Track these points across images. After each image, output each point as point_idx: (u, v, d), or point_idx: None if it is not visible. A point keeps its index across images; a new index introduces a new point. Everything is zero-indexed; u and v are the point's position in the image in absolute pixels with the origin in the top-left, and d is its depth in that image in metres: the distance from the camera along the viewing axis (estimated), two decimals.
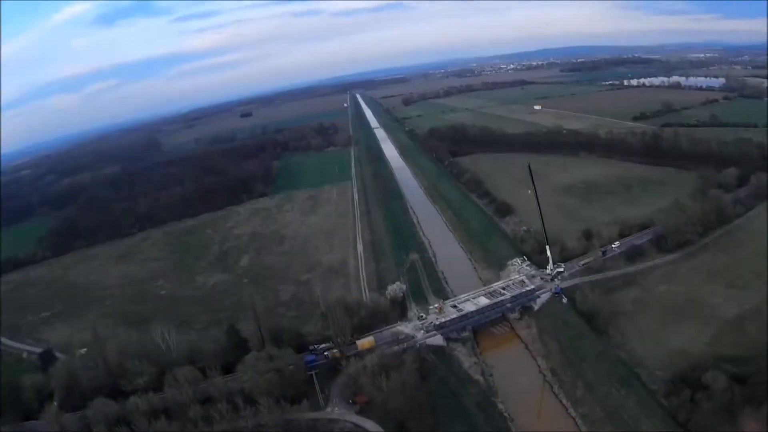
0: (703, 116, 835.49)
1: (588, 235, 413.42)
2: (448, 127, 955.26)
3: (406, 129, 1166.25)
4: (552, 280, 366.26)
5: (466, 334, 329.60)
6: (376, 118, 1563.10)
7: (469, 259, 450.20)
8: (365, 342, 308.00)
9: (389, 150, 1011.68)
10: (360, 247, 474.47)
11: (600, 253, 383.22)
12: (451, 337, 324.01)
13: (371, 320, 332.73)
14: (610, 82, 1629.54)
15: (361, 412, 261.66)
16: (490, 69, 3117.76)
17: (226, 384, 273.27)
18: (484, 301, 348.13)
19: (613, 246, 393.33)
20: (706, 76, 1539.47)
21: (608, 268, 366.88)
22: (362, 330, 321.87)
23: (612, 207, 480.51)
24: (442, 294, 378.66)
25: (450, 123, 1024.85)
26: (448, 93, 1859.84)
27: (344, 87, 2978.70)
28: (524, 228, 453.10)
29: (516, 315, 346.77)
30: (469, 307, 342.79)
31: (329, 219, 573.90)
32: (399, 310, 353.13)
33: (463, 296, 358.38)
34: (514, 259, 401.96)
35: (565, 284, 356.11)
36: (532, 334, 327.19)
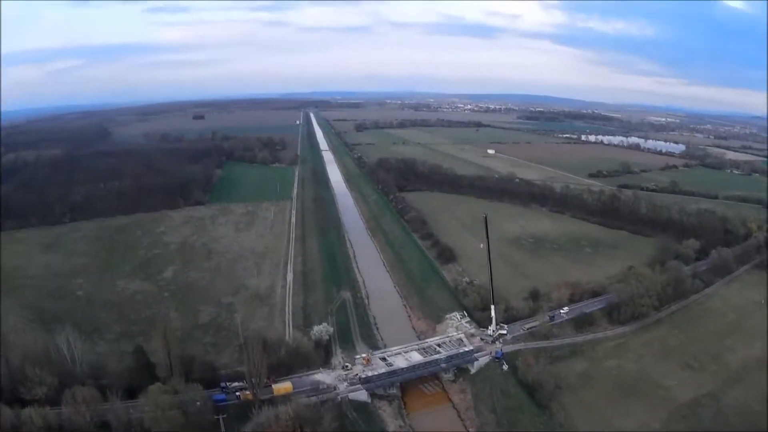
0: (662, 181, 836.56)
1: (535, 295, 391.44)
2: (398, 160, 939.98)
3: (355, 156, 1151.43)
4: (493, 342, 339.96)
5: (393, 391, 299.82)
6: (326, 139, 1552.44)
7: (405, 305, 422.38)
8: (282, 387, 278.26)
9: (335, 175, 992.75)
10: (290, 276, 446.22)
11: (547, 318, 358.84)
12: (377, 393, 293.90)
13: (292, 362, 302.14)
14: (567, 135, 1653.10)
15: None
16: (448, 106, 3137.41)
17: (127, 411, 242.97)
18: (416, 357, 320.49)
19: (561, 311, 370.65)
20: (666, 141, 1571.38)
21: (555, 336, 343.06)
22: (280, 372, 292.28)
23: (561, 266, 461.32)
24: (372, 342, 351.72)
25: (400, 156, 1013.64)
26: (402, 125, 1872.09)
27: (299, 104, 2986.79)
28: (466, 279, 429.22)
29: (450, 376, 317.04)
30: (399, 361, 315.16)
31: (263, 239, 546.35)
32: (323, 354, 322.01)
33: (394, 349, 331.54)
34: (453, 313, 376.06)
35: (507, 348, 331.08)
36: (466, 401, 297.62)
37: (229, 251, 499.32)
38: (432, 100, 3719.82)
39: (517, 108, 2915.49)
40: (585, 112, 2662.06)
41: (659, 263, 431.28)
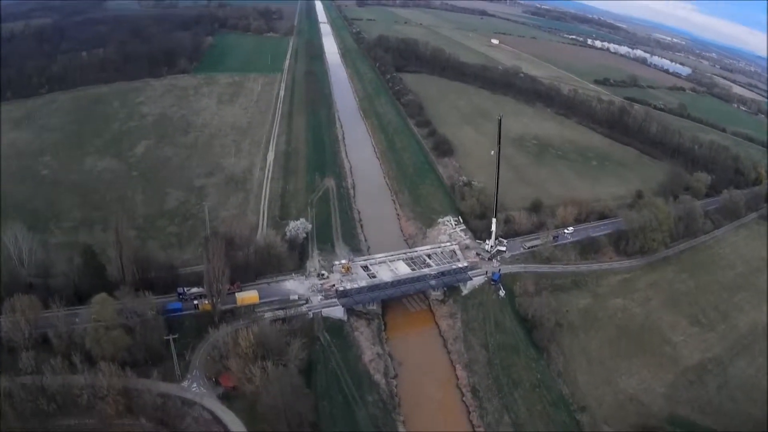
0: (670, 102, 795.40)
1: (537, 206, 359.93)
2: (399, 39, 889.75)
3: (354, 30, 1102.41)
4: (490, 259, 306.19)
5: (373, 308, 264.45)
6: (325, 12, 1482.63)
7: (394, 201, 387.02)
8: (247, 296, 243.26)
9: (331, 48, 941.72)
10: (271, 156, 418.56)
11: (551, 238, 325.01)
12: (355, 310, 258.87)
13: (261, 264, 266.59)
14: (574, 37, 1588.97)
15: (224, 398, 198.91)
16: None
17: (69, 323, 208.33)
18: (403, 268, 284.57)
19: (566, 231, 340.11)
20: (672, 60, 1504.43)
21: (557, 259, 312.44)
22: (247, 275, 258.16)
23: (566, 177, 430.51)
24: (354, 245, 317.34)
25: (402, 35, 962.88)
26: (405, 4, 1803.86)
27: None
28: (464, 179, 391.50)
29: (439, 294, 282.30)
30: (383, 273, 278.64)
31: (246, 113, 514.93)
32: (297, 257, 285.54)
33: (378, 256, 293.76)
34: (447, 218, 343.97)
35: (505, 269, 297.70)
36: (455, 329, 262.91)
37: (208, 125, 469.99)
38: None
39: (522, 2, 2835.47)
40: (591, 17, 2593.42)
41: (671, 193, 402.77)
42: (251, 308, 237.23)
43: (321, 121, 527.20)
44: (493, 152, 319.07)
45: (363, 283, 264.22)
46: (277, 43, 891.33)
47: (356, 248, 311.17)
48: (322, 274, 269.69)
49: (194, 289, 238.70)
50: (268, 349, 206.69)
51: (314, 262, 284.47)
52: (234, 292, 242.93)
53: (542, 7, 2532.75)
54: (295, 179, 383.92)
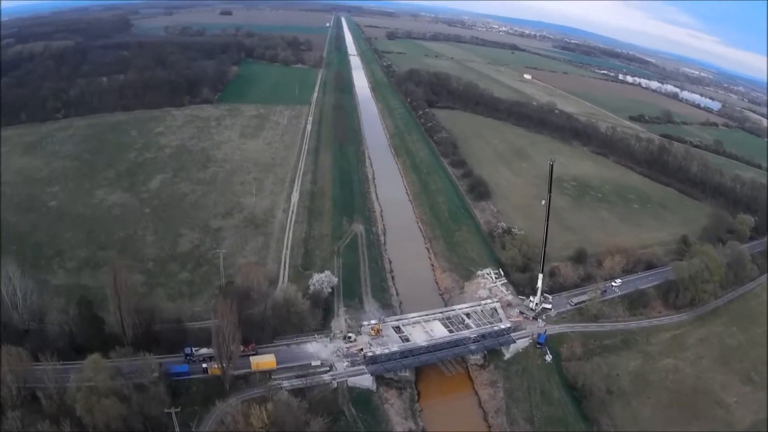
0: (704, 138, 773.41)
1: (581, 256, 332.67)
2: (430, 74, 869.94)
3: (385, 64, 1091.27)
4: (535, 318, 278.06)
5: (406, 374, 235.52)
6: (355, 44, 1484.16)
7: (428, 249, 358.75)
8: (263, 361, 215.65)
9: (361, 82, 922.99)
10: (295, 197, 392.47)
11: (599, 292, 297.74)
12: (385, 378, 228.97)
13: (280, 323, 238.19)
14: (605, 72, 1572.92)
15: None
16: (482, 26, 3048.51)
17: (61, 381, 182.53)
18: (439, 329, 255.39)
19: (613, 284, 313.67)
20: (701, 95, 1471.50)
21: (605, 316, 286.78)
22: (264, 335, 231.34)
23: (607, 222, 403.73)
24: (384, 300, 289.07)
25: (432, 69, 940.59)
26: (435, 37, 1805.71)
27: (332, 8, 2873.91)
28: (503, 225, 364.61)
29: (478, 358, 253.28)
30: (417, 335, 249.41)
31: (270, 148, 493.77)
32: (322, 314, 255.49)
33: (412, 316, 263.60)
34: (487, 270, 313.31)
35: (551, 329, 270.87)
36: (497, 399, 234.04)
37: (229, 160, 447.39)
38: (466, 17, 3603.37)
39: (551, 37, 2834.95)
40: (620, 51, 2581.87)
41: (716, 238, 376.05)
42: (267, 375, 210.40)
43: (350, 158, 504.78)
44: (543, 202, 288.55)
45: (395, 348, 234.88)
46: (305, 75, 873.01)
47: (387, 304, 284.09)
48: (349, 337, 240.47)
49: (203, 350, 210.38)
50: (285, 421, 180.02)
51: (340, 321, 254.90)
52: (248, 355, 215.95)
53: (572, 41, 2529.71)
54: (320, 223, 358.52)
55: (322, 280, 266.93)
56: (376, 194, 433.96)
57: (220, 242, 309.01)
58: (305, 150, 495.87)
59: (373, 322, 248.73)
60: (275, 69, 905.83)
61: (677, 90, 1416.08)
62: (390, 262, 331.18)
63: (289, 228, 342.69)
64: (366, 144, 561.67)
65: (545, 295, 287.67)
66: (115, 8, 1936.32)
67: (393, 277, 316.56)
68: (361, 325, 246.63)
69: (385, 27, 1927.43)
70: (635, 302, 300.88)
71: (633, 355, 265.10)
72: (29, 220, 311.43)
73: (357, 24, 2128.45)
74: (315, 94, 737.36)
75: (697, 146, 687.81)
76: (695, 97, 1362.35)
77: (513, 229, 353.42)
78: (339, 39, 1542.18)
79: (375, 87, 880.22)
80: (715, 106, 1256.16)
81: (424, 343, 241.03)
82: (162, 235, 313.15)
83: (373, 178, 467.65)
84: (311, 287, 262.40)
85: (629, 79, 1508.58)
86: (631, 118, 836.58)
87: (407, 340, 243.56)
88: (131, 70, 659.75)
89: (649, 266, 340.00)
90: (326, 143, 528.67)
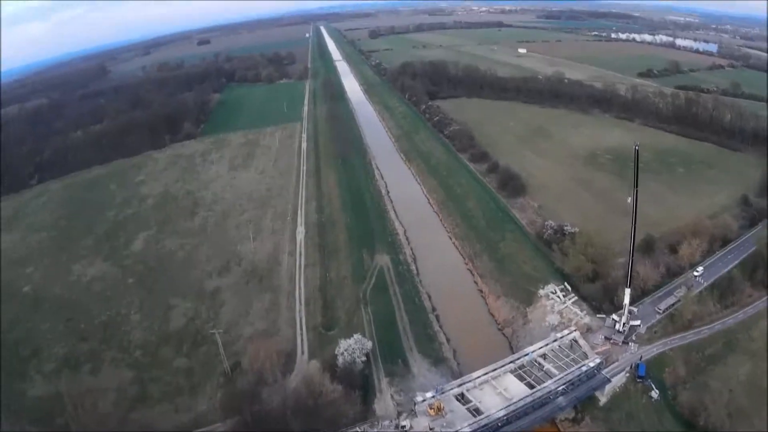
0: (719, 83, 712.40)
1: (650, 244, 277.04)
2: (425, 63, 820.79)
3: (373, 63, 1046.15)
4: (625, 342, 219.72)
5: None
6: (339, 49, 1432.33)
7: (471, 271, 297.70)
8: None
9: (352, 85, 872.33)
10: (301, 233, 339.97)
11: (684, 289, 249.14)
12: None
13: (308, 418, 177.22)
14: (596, 33, 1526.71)
15: None
16: (462, 10, 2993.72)
17: None
18: (515, 386, 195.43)
19: (695, 274, 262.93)
20: (695, 39, 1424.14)
21: (698, 318, 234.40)
22: None
23: (659, 194, 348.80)
24: (434, 353, 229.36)
25: (426, 59, 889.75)
26: (419, 28, 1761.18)
27: (309, 18, 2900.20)
28: (551, 224, 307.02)
29: (568, 414, 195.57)
30: (489, 400, 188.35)
31: (264, 178, 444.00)
32: (359, 396, 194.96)
33: (476, 375, 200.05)
34: (549, 286, 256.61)
35: (645, 352, 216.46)
36: None
37: (219, 201, 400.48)
38: (444, 5, 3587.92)
39: (533, 9, 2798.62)
40: (605, 11, 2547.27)
41: None
42: None
43: (356, 172, 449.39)
44: (630, 199, 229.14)
45: (466, 428, 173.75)
46: (292, 89, 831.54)
47: (439, 358, 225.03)
48: (403, 427, 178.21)
49: None
50: None
51: (386, 401, 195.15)
52: None
53: (554, 9, 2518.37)
54: (336, 262, 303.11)
55: (352, 347, 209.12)
56: (395, 211, 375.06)
57: (219, 309, 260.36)
58: (304, 172, 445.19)
59: (429, 395, 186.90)
60: (259, 89, 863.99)
61: (671, 39, 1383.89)
62: (429, 298, 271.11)
63: (300, 275, 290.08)
64: (371, 153, 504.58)
65: (630, 308, 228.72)
66: (93, 58, 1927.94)
67: (438, 318, 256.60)
68: (414, 403, 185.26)
69: (366, 27, 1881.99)
70: (725, 292, 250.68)
71: (740, 359, 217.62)
72: (4, 312, 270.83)
73: (337, 29, 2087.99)
74: (305, 108, 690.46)
75: (714, 92, 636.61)
76: (690, 43, 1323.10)
77: (566, 227, 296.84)
78: (321, 47, 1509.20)
79: (368, 88, 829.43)
80: (713, 48, 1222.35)
81: (501, 413, 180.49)
82: (149, 310, 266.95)
83: (387, 192, 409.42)
84: (339, 359, 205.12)
85: (622, 36, 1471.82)
86: (641, 75, 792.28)
87: (477, 411, 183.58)
88: (107, 118, 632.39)
89: (725, 242, 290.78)
90: (326, 160, 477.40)
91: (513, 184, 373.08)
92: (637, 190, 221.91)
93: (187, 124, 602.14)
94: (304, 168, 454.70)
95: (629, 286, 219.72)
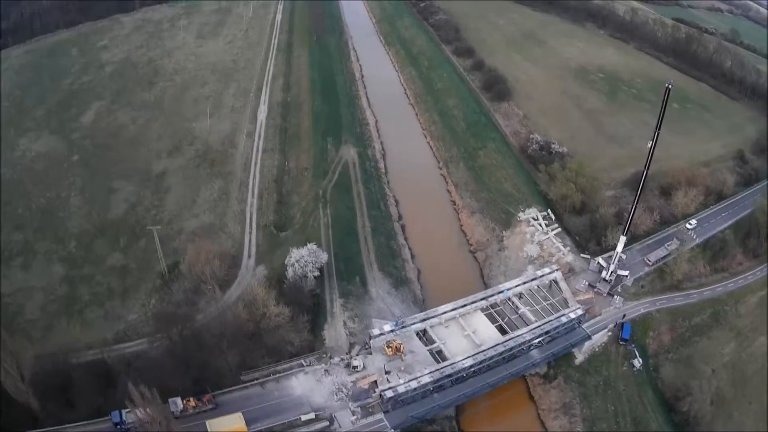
0: (718, 26, 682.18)
1: (638, 181, 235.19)
2: None
3: None
4: (610, 294, 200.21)
5: (445, 413, 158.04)
6: None
7: (445, 177, 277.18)
8: (227, 426, 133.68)
9: None
10: (263, 113, 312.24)
11: (676, 242, 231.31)
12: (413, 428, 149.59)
13: (248, 344, 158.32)
14: None
15: None
16: None
17: None
18: (485, 328, 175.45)
19: (688, 226, 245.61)
20: None
21: (689, 278, 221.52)
22: (223, 372, 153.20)
23: (653, 128, 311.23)
24: (397, 272, 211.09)
25: None
26: None
27: None
28: (536, 138, 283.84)
29: (540, 369, 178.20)
30: (454, 343, 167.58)
31: (232, 49, 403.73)
32: (307, 319, 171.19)
33: (444, 310, 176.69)
34: (531, 212, 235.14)
35: (630, 310, 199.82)
36: None
37: (181, 71, 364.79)
38: None
39: None
40: None
41: None
42: None
43: (330, 52, 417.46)
44: (650, 144, 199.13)
45: (426, 376, 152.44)
46: None
47: (401, 279, 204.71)
48: (355, 367, 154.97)
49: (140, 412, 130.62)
50: None
51: (338, 330, 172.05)
52: (203, 410, 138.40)
53: None
54: (297, 149, 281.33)
55: (305, 259, 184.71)
56: (368, 99, 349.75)
57: (163, 196, 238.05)
58: (274, 46, 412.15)
59: (387, 329, 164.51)
60: None
61: None
62: (397, 204, 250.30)
63: (256, 162, 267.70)
64: (349, 33, 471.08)
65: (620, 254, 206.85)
66: None
67: (403, 228, 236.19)
68: (370, 337, 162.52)
69: None
70: (717, 255, 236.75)
71: (725, 335, 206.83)
72: None
73: None
74: None
75: (713, 34, 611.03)
76: None
77: (553, 145, 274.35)
78: None
79: None
80: None
81: (468, 362, 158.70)
82: (91, 194, 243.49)
83: (362, 77, 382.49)
84: (289, 271, 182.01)
85: None
86: None
87: (441, 355, 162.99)
88: None
89: (719, 197, 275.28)
90: (301, 36, 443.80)
91: (498, 88, 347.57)
92: (658, 133, 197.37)
93: None
94: (275, 42, 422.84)
95: (626, 233, 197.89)
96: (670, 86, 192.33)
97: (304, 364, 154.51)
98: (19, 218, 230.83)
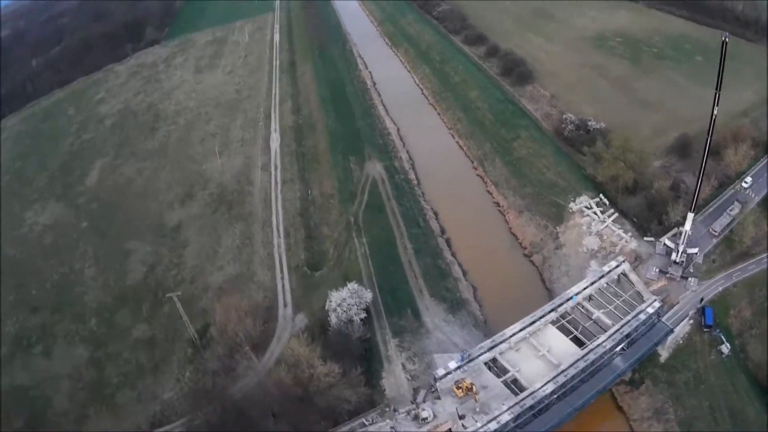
0: None
1: (685, 146, 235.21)
2: None
3: None
4: (684, 277, 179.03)
5: None
6: None
7: (482, 177, 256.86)
8: None
9: None
10: (276, 140, 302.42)
11: (738, 205, 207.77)
12: None
13: (299, 408, 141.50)
14: None
15: None
16: None
17: None
18: (560, 342, 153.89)
19: (744, 185, 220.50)
20: None
21: (757, 243, 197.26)
22: None
23: (682, 86, 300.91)
24: (450, 294, 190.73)
25: None
26: None
27: None
28: (570, 117, 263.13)
29: (625, 378, 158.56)
30: (529, 366, 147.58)
31: (233, 78, 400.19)
32: (361, 373, 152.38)
33: (512, 332, 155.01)
34: (582, 200, 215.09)
35: (706, 291, 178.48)
36: None
37: (183, 111, 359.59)
38: None
39: None
40: None
41: None
42: None
43: (336, 63, 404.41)
44: (713, 107, 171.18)
45: (505, 414, 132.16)
46: None
47: (456, 302, 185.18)
48: (424, 419, 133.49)
49: None
50: None
51: (396, 375, 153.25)
52: None
53: None
54: (319, 175, 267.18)
55: (347, 302, 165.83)
56: (384, 106, 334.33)
57: (182, 252, 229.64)
58: (277, 68, 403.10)
59: (452, 366, 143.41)
60: None
61: None
62: (436, 216, 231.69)
63: (276, 197, 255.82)
64: (352, 40, 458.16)
65: (679, 231, 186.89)
66: None
67: (449, 243, 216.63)
68: (435, 379, 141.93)
69: None
70: None
71: None
72: None
73: None
74: None
75: None
76: None
77: (589, 122, 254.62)
78: None
79: None
80: None
81: (548, 388, 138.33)
82: (104, 261, 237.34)
83: (374, 84, 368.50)
84: (332, 317, 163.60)
85: None
86: None
87: (517, 384, 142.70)
88: (67, 37, 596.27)
89: (766, 148, 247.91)
90: (302, 52, 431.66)
91: (519, 71, 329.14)
92: (718, 94, 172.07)
93: (149, 30, 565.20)
94: (277, 63, 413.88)
95: (693, 210, 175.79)
96: (726, 39, 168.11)
97: (366, 423, 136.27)
98: (34, 299, 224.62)
